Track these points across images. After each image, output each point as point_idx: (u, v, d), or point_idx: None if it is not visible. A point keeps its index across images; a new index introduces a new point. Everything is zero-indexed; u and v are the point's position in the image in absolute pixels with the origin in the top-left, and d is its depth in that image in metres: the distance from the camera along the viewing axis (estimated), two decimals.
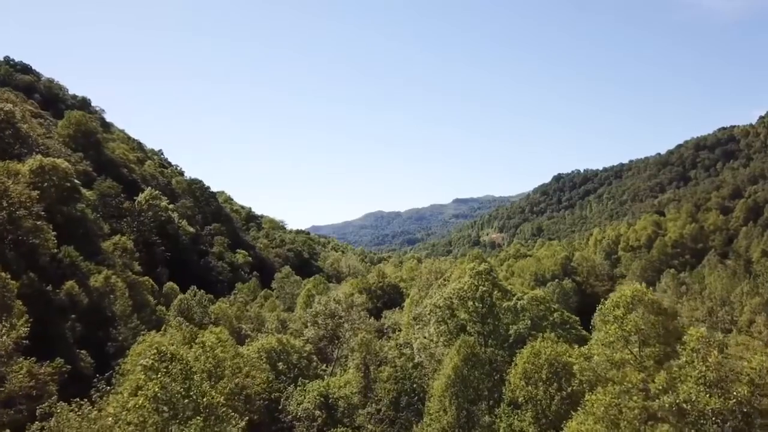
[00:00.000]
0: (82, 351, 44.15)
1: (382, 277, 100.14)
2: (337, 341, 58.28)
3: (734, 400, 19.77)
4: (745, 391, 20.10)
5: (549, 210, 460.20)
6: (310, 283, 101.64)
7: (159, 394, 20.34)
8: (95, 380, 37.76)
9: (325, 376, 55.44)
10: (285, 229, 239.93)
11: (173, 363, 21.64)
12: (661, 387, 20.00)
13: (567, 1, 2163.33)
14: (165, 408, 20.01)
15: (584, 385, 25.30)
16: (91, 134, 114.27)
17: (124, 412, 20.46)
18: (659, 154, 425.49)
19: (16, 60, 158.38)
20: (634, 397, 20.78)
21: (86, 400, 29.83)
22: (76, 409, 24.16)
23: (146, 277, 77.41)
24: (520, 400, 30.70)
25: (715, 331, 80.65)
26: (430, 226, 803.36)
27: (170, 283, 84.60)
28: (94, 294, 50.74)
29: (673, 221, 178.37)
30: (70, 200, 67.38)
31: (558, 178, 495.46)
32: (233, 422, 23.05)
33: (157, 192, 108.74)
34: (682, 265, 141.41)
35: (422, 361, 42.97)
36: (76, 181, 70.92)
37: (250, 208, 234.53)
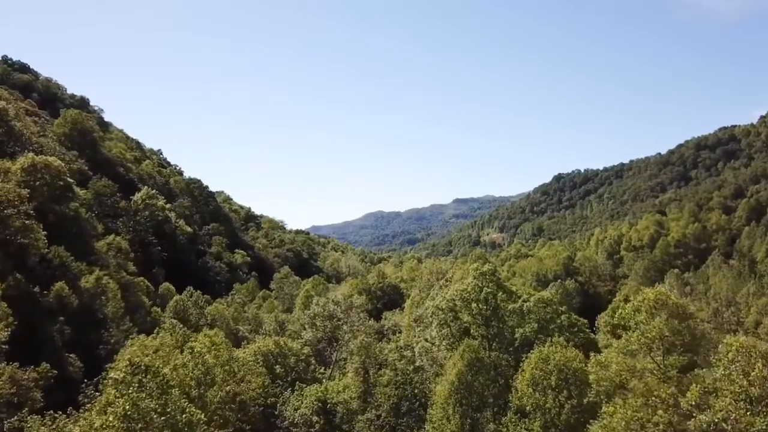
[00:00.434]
0: (71, 355, 42.62)
1: (382, 277, 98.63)
2: (335, 343, 56.73)
3: None
4: None
5: (549, 210, 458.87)
6: (309, 284, 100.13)
7: (130, 412, 18.39)
8: (83, 385, 36.28)
9: (324, 380, 53.90)
10: (284, 229, 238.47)
11: (148, 376, 19.95)
12: (694, 402, 18.19)
13: (567, 1, 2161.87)
14: (137, 427, 18.11)
15: (601, 396, 23.66)
16: (87, 133, 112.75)
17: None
18: (660, 153, 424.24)
19: (14, 59, 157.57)
20: (659, 411, 19.08)
21: (71, 407, 28.35)
22: (50, 423, 22.53)
23: (141, 278, 75.93)
24: (527, 408, 29.15)
25: (721, 332, 79.25)
26: (431, 226, 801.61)
27: (166, 284, 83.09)
28: (84, 295, 49.21)
29: (676, 221, 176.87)
30: (63, 199, 65.84)
31: (558, 177, 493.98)
32: None
33: (153, 191, 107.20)
34: (685, 265, 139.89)
35: (424, 365, 41.36)
36: (70, 179, 69.36)
37: (249, 208, 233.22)
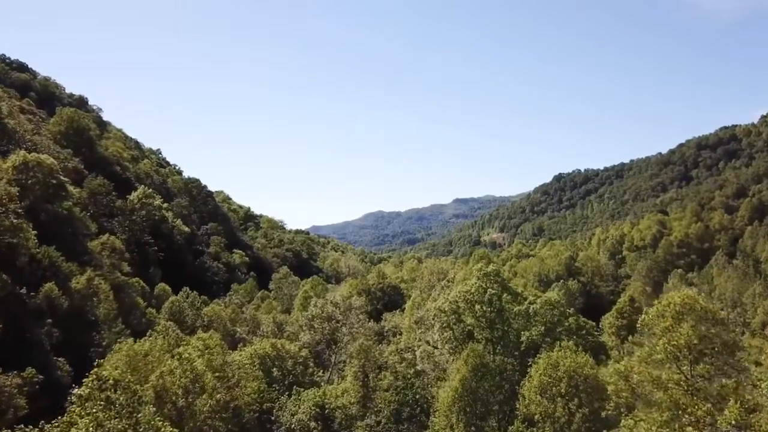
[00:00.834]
0: (59, 358, 41.16)
1: (382, 277, 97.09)
2: (334, 346, 55.27)
3: None
4: None
5: (550, 210, 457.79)
6: (308, 284, 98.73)
7: None
8: (70, 390, 34.81)
9: (322, 384, 52.45)
10: (284, 228, 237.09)
11: (117, 391, 18.45)
12: (733, 421, 16.66)
13: (567, 1, 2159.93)
14: None
15: (621, 408, 22.12)
16: (83, 131, 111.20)
17: None
18: (660, 153, 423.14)
19: (12, 58, 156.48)
20: (688, 428, 17.53)
21: (58, 414, 26.82)
22: None
23: (136, 278, 74.42)
24: (536, 416, 27.66)
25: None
26: (431, 226, 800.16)
27: (162, 285, 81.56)
28: (75, 296, 47.75)
29: (678, 220, 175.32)
30: (56, 198, 64.37)
31: (559, 177, 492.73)
32: None
33: (150, 190, 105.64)
34: (687, 265, 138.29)
35: (425, 369, 39.86)
36: (63, 177, 67.87)
37: (248, 208, 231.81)
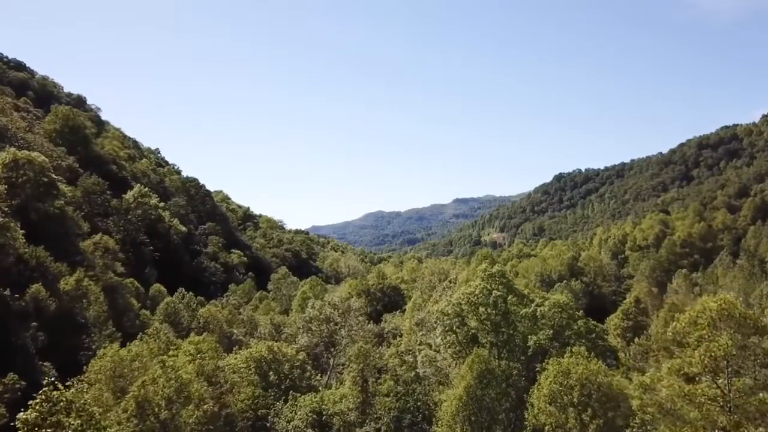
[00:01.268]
0: (45, 363, 39.52)
1: (382, 278, 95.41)
2: (333, 348, 53.61)
3: None
4: None
5: (550, 209, 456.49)
6: (306, 285, 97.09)
7: None
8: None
9: (320, 388, 50.81)
10: (284, 228, 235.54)
11: (71, 415, 16.64)
12: None
13: (567, 1, 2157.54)
14: None
15: (647, 426, 20.40)
16: (78, 130, 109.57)
17: None
18: (661, 153, 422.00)
19: (10, 57, 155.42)
20: None
21: None
22: None
23: (131, 279, 72.76)
24: (546, 427, 25.98)
25: None
26: (431, 226, 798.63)
27: (157, 285, 79.87)
28: (64, 298, 46.12)
29: (681, 220, 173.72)
30: (47, 196, 62.70)
31: (559, 177, 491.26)
32: None
33: (146, 189, 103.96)
34: (691, 265, 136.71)
35: (428, 375, 38.18)
36: (54, 176, 66.20)
37: (248, 208, 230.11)
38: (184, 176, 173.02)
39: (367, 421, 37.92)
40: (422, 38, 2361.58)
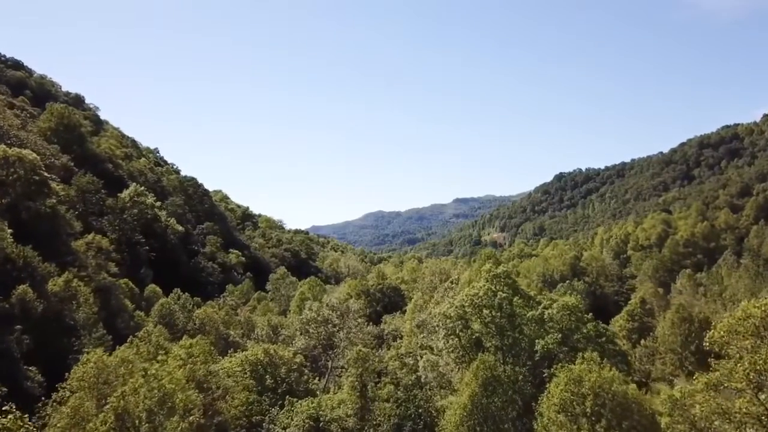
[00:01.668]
0: (30, 368, 37.98)
1: (381, 278, 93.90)
2: (331, 351, 52.05)
3: None
4: None
5: (551, 209, 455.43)
6: (305, 286, 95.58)
7: None
8: (38, 404, 31.64)
9: (318, 392, 49.27)
10: (283, 228, 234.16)
11: None
12: None
13: (567, 1, 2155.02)
14: None
15: None
16: (74, 128, 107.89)
17: None
18: (662, 152, 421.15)
19: (8, 56, 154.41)
20: None
21: None
22: None
23: (125, 280, 71.17)
24: None
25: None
26: (431, 226, 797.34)
27: (152, 286, 78.26)
28: (52, 300, 44.58)
29: (683, 219, 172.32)
30: (38, 195, 61.14)
31: (560, 177, 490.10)
32: None
33: (142, 188, 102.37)
34: (694, 264, 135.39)
35: (429, 380, 36.60)
36: (46, 174, 64.64)
37: (247, 207, 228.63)
38: (183, 176, 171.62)
39: (366, 428, 36.38)
40: (422, 38, 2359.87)
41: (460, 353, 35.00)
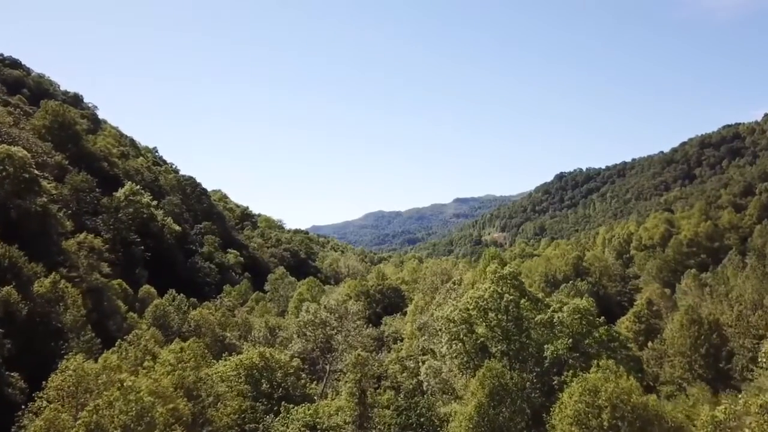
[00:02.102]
0: (12, 373, 36.25)
1: (381, 278, 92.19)
2: (329, 354, 50.31)
3: None
4: None
5: (551, 209, 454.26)
6: (303, 286, 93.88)
7: None
8: (19, 412, 29.90)
9: (315, 397, 47.56)
10: (282, 228, 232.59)
11: None
12: None
13: (567, 1, 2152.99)
14: None
15: None
16: (69, 126, 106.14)
17: None
18: (662, 152, 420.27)
19: (5, 55, 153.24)
20: None
21: None
22: None
23: (118, 280, 69.42)
24: None
25: (747, 337, 73.12)
26: (431, 226, 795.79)
27: (147, 287, 76.53)
28: (38, 301, 42.84)
29: (687, 219, 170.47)
30: (28, 193, 59.39)
31: (560, 176, 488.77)
32: None
33: (138, 187, 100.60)
34: (699, 264, 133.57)
35: (432, 387, 34.82)
36: (36, 172, 62.89)
37: (246, 207, 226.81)
38: (184, 175, 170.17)
39: None
40: (422, 38, 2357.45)
41: (465, 359, 33.21)
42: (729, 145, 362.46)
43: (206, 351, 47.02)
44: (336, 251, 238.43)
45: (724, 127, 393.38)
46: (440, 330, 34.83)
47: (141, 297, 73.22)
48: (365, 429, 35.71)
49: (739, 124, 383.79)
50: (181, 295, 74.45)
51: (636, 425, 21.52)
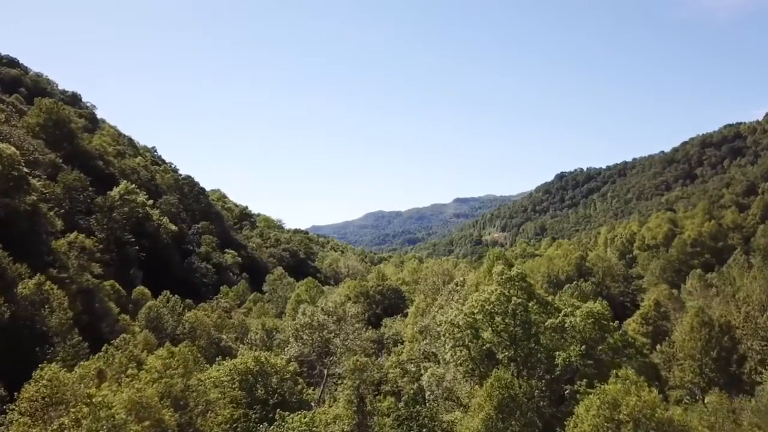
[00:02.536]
0: None
1: (381, 279, 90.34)
2: (326, 358, 48.47)
3: None
4: None
5: (552, 209, 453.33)
6: (301, 287, 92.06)
7: None
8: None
9: (312, 403, 45.73)
10: (282, 228, 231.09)
11: None
12: None
13: (567, 1, 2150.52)
14: None
15: None
16: (63, 124, 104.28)
17: None
18: (663, 152, 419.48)
19: (2, 53, 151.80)
20: None
21: None
22: None
23: (110, 281, 67.59)
24: None
25: (755, 339, 71.38)
26: (431, 226, 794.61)
27: (140, 288, 74.69)
28: (22, 304, 41.00)
29: (690, 219, 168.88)
30: (16, 191, 57.53)
31: (561, 176, 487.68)
32: None
33: (133, 186, 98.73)
34: (703, 264, 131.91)
35: (435, 394, 32.98)
36: (26, 169, 61.05)
37: (245, 207, 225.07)
38: (182, 175, 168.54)
39: None
40: (422, 38, 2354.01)
41: (470, 366, 31.36)
42: (730, 144, 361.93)
43: (199, 355, 45.19)
44: (336, 251, 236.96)
45: (725, 126, 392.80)
46: (444, 335, 32.96)
47: (135, 298, 71.39)
48: None
49: (740, 123, 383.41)
50: (176, 296, 72.63)
51: None
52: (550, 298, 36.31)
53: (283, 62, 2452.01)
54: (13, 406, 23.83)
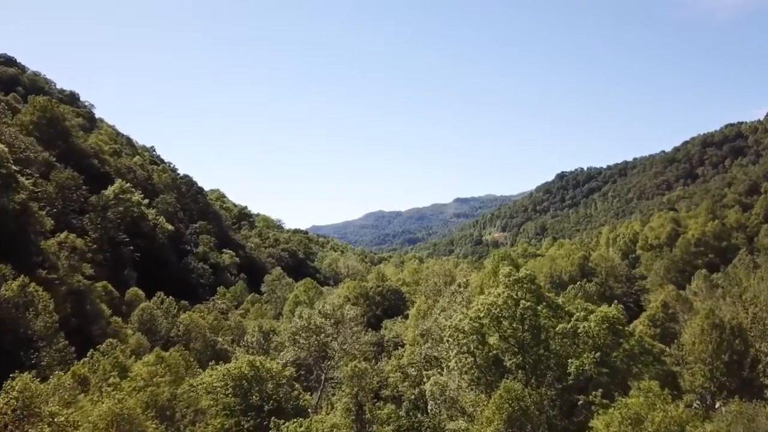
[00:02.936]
0: None
1: (381, 280, 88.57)
2: (323, 363, 46.70)
3: None
4: None
5: (552, 209, 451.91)
6: (300, 288, 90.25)
7: None
8: None
9: (309, 410, 43.94)
10: (281, 228, 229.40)
11: None
12: None
13: (567, 1, 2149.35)
14: None
15: None
16: (57, 122, 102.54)
17: None
18: (664, 151, 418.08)
19: (0, 52, 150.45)
20: None
21: None
22: None
23: (103, 282, 65.82)
24: None
25: (764, 341, 69.63)
26: (431, 226, 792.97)
27: (134, 289, 72.89)
28: (5, 306, 39.21)
29: (693, 218, 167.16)
30: (5, 190, 55.74)
31: (561, 176, 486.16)
32: None
33: (128, 185, 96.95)
34: (707, 264, 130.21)
35: (438, 404, 31.22)
36: (15, 167, 59.25)
37: (244, 206, 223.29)
38: (181, 174, 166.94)
39: None
40: (422, 38, 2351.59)
41: (476, 374, 29.57)
42: (731, 144, 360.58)
43: (192, 360, 43.42)
44: (336, 251, 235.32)
45: (726, 126, 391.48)
46: (448, 340, 31.17)
47: (128, 300, 69.58)
48: None
49: (742, 123, 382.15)
50: (170, 297, 70.89)
51: None
52: (561, 301, 34.51)
53: (283, 62, 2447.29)
54: None
